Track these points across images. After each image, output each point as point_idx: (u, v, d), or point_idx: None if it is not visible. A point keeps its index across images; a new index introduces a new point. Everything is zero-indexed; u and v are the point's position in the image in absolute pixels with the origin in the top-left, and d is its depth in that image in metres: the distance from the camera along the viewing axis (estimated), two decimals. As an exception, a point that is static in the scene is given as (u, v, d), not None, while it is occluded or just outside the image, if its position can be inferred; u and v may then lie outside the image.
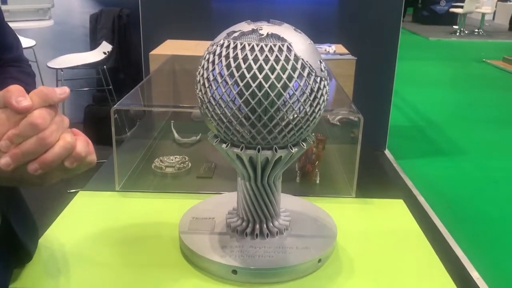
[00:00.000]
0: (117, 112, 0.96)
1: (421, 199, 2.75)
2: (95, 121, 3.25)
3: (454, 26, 9.86)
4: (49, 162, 0.50)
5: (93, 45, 3.44)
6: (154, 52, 2.20)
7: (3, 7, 2.45)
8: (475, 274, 2.07)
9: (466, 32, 9.51)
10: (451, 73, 6.32)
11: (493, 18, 11.33)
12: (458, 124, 4.17)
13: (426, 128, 4.08)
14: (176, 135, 1.25)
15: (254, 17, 0.70)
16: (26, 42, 3.09)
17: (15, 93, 0.49)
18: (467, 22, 9.78)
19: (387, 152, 3.41)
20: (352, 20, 3.08)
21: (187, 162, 1.08)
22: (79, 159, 0.52)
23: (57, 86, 3.14)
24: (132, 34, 3.47)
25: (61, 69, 2.96)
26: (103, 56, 3.08)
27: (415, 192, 2.85)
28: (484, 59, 6.91)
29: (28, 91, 0.51)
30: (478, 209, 2.70)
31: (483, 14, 9.64)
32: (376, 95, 3.21)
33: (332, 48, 2.29)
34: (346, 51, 2.35)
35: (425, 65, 6.71)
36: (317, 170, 1.03)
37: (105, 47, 3.15)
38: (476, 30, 9.56)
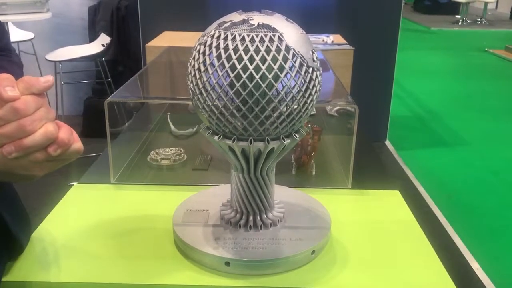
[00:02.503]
0: (112, 104, 0.96)
1: (421, 189, 2.75)
2: (95, 114, 3.25)
3: (456, 16, 9.79)
4: (25, 147, 0.50)
5: (92, 37, 3.42)
6: (151, 43, 2.18)
7: (1, 0, 2.43)
8: (475, 265, 2.07)
9: (469, 21, 9.44)
10: (453, 63, 6.29)
11: (496, 7, 11.25)
12: (459, 114, 4.15)
13: (427, 119, 4.07)
14: (172, 127, 1.24)
15: (252, 8, 0.69)
16: (24, 35, 3.08)
17: (5, 82, 0.50)
18: (469, 11, 9.70)
19: (387, 143, 3.40)
20: (352, 10, 3.06)
21: (182, 154, 1.07)
22: (63, 146, 0.52)
23: (55, 79, 3.14)
24: (130, 26, 3.45)
25: (60, 61, 2.96)
26: (102, 48, 3.07)
27: (416, 183, 2.84)
28: (486, 49, 6.87)
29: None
30: (479, 200, 2.70)
31: (486, 3, 9.57)
32: (377, 85, 3.20)
33: (330, 38, 2.27)
34: (344, 41, 2.33)
35: (427, 55, 6.67)
36: (313, 162, 1.03)
37: (104, 39, 3.14)
38: (479, 19, 9.49)
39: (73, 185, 0.94)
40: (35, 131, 0.50)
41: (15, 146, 0.50)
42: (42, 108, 0.51)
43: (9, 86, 0.49)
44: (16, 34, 3.03)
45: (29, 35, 3.10)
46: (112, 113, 0.96)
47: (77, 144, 0.54)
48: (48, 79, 0.52)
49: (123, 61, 3.48)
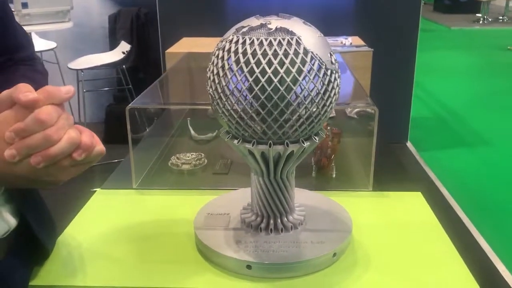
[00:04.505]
0: (133, 110, 0.97)
1: (444, 191, 2.71)
2: (117, 120, 3.29)
3: (477, 14, 9.63)
4: (52, 156, 0.51)
5: (113, 45, 3.48)
6: (170, 50, 2.21)
7: (24, 11, 2.49)
8: (501, 267, 2.03)
9: (490, 19, 9.27)
10: (475, 62, 6.19)
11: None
12: (482, 114, 4.08)
13: (449, 119, 4.01)
14: (192, 132, 1.25)
15: (270, 13, 0.69)
16: (47, 44, 3.14)
17: (23, 89, 0.51)
18: (490, 9, 9.54)
19: (409, 144, 3.37)
20: (370, 11, 3.04)
21: (203, 159, 1.08)
22: (87, 150, 0.53)
23: (78, 87, 3.20)
24: (150, 33, 3.50)
25: (81, 70, 3.01)
26: (122, 56, 3.11)
27: (438, 184, 2.80)
28: (508, 47, 6.74)
29: (38, 89, 0.52)
30: (503, 201, 2.64)
31: (508, 0, 9.40)
32: (396, 86, 3.17)
33: (349, 40, 2.26)
34: (362, 43, 2.32)
35: (448, 55, 6.58)
36: (333, 164, 1.03)
37: (124, 46, 3.19)
38: (500, 17, 9.32)
39: (95, 191, 0.96)
40: (60, 140, 0.51)
41: (43, 156, 0.51)
42: (63, 115, 0.52)
43: (28, 92, 0.50)
44: (39, 44, 3.09)
45: (52, 44, 3.16)
46: (133, 119, 0.97)
47: (99, 146, 0.56)
48: (69, 90, 0.53)
49: (143, 68, 3.52)
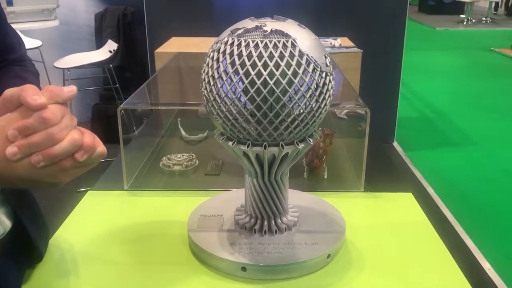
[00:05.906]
0: (124, 111, 0.96)
1: (430, 190, 2.74)
2: (103, 120, 3.27)
3: (461, 15, 9.76)
4: (53, 156, 0.51)
5: (99, 44, 3.44)
6: (160, 50, 2.20)
7: (9, 9, 2.46)
8: (486, 265, 2.06)
9: (474, 20, 9.40)
10: (459, 63, 6.27)
11: (500, 6, 11.18)
12: (467, 114, 4.13)
13: (435, 119, 4.05)
14: (183, 132, 1.25)
15: (258, 12, 0.69)
16: (32, 42, 3.10)
17: (30, 91, 0.51)
18: (474, 10, 9.66)
19: (395, 144, 3.40)
20: (358, 12, 3.06)
21: (194, 160, 1.08)
22: (89, 151, 0.53)
23: (64, 86, 3.16)
24: (137, 32, 3.47)
25: (68, 68, 2.97)
26: (109, 54, 3.08)
27: (425, 183, 2.83)
28: (492, 48, 6.84)
29: None
30: (488, 200, 2.68)
31: (491, 2, 9.53)
32: (384, 87, 3.20)
33: (338, 41, 2.28)
34: (351, 43, 2.34)
35: (433, 56, 6.65)
36: (324, 165, 1.03)
37: (111, 45, 3.16)
38: (484, 19, 9.46)
39: (82, 191, 0.95)
40: (62, 139, 0.51)
41: (43, 155, 0.50)
42: (67, 116, 0.52)
43: (36, 95, 0.50)
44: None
45: (37, 42, 3.12)
46: (122, 119, 0.96)
47: (101, 147, 0.55)
48: (71, 89, 0.53)
49: (130, 67, 3.49)
